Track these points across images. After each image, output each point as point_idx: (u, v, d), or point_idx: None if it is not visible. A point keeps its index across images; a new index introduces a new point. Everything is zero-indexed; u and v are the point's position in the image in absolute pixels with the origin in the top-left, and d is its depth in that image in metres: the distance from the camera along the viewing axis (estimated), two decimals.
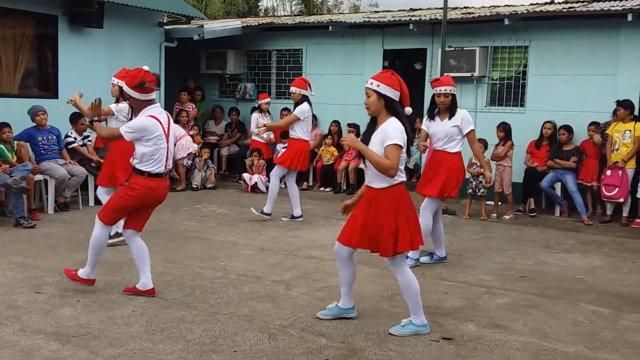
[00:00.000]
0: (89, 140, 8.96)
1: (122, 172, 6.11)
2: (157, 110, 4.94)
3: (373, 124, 4.33)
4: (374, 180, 4.28)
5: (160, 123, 4.89)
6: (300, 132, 8.05)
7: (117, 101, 6.77)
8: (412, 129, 5.68)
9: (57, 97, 9.25)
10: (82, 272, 5.08)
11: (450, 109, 6.06)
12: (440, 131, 6.08)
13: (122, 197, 4.97)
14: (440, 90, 6.00)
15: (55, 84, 9.47)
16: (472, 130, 6.08)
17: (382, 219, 4.23)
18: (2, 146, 7.86)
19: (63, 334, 4.22)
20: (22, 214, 7.42)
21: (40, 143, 8.33)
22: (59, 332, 4.24)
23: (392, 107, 4.26)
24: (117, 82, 6.61)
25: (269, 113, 11.24)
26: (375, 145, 4.21)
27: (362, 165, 4.40)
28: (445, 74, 9.15)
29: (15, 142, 8.12)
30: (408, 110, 4.32)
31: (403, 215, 4.24)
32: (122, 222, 5.98)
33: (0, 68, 8.98)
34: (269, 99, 11.23)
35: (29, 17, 9.28)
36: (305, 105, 7.97)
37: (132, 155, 5.03)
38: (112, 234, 6.60)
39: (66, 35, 9.64)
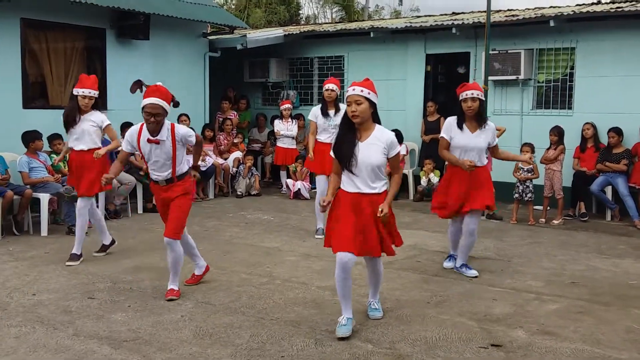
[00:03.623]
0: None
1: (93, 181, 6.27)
2: None
3: (352, 133, 4.31)
4: (367, 187, 4.30)
5: None
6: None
7: (77, 113, 6.30)
8: None
9: (105, 109, 9.50)
10: (197, 271, 5.63)
11: (480, 119, 5.70)
12: (471, 145, 5.66)
13: (188, 204, 5.26)
14: (467, 95, 5.62)
15: (104, 95, 9.73)
16: (497, 145, 5.90)
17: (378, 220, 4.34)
18: (55, 156, 8.11)
19: (115, 338, 4.32)
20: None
21: None
22: (111, 337, 4.34)
23: (376, 115, 4.35)
24: (95, 94, 6.33)
25: (291, 119, 11.28)
26: (376, 153, 4.28)
27: (346, 173, 4.30)
28: (489, 77, 9.08)
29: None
30: None
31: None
32: (107, 235, 6.62)
33: (51, 81, 9.29)
34: (289, 105, 11.32)
35: (78, 31, 9.58)
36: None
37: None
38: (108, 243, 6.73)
39: (114, 48, 9.92)
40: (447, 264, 6.22)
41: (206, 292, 5.36)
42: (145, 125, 5.03)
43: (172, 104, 5.10)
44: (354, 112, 4.23)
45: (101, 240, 6.67)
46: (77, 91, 6.26)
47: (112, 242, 6.72)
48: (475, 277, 5.86)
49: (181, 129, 5.15)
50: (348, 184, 4.35)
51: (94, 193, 6.50)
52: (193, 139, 5.18)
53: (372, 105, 4.27)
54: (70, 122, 6.34)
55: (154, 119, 4.93)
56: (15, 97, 8.71)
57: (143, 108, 4.94)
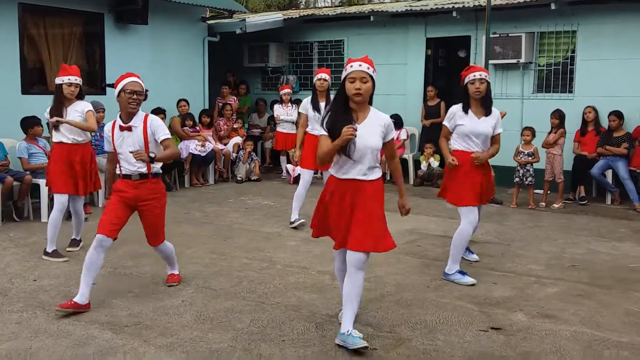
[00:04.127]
0: None
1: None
2: None
3: (349, 114, 3.92)
4: (365, 173, 3.93)
5: None
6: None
7: (63, 106, 6.10)
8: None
9: (105, 94, 9.46)
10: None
11: (486, 103, 5.36)
12: (479, 131, 5.32)
13: (164, 207, 4.96)
14: (475, 76, 5.25)
15: (103, 81, 9.69)
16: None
17: (381, 210, 4.00)
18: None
19: (116, 323, 4.33)
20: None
21: (93, 138, 8.53)
22: (112, 322, 4.35)
23: (370, 98, 4.02)
24: (80, 82, 6.15)
25: (291, 104, 11.22)
26: (374, 136, 3.92)
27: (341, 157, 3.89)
28: (490, 61, 9.03)
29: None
30: None
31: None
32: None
33: (50, 66, 9.24)
34: (289, 90, 11.26)
35: (76, 16, 9.52)
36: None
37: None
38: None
39: (112, 33, 9.86)
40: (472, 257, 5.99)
41: (207, 277, 5.37)
42: (118, 117, 4.76)
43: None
44: (359, 90, 3.85)
45: (73, 235, 6.41)
46: (61, 79, 6.02)
47: (80, 240, 6.42)
48: (476, 261, 5.87)
49: (155, 120, 4.80)
50: (342, 170, 3.95)
51: (88, 193, 6.43)
52: (161, 135, 4.73)
53: (374, 85, 3.96)
54: (55, 113, 6.07)
55: (136, 96, 4.65)
56: (14, 83, 8.67)
57: (123, 89, 4.65)
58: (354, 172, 3.93)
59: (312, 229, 4.25)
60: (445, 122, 5.52)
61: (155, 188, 4.83)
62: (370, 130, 3.92)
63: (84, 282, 4.57)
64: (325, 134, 3.92)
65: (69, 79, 6.03)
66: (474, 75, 5.27)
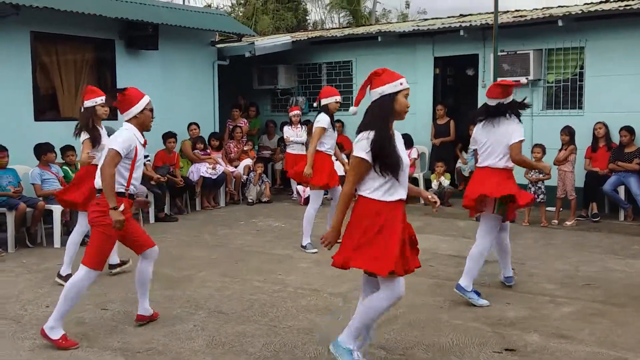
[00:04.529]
0: (148, 160, 9.22)
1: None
2: None
3: (389, 132, 3.77)
4: (405, 192, 3.81)
5: None
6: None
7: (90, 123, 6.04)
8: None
9: (116, 119, 9.53)
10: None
11: None
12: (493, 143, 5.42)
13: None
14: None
15: (115, 106, 9.76)
16: None
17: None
18: (67, 168, 8.17)
19: (129, 349, 4.33)
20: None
21: None
22: (125, 348, 4.35)
23: None
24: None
25: (300, 125, 11.28)
26: (404, 153, 3.84)
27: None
28: (498, 79, 9.04)
29: (79, 163, 8.42)
30: (352, 109, 3.99)
31: None
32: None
33: (62, 93, 9.37)
34: (298, 111, 11.32)
35: (87, 43, 9.66)
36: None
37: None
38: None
39: (123, 59, 9.98)
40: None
41: (219, 300, 5.37)
42: (138, 132, 4.72)
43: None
44: (408, 107, 3.85)
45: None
46: (94, 101, 6.00)
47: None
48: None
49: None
50: (390, 192, 3.70)
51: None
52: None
53: None
54: (97, 138, 6.00)
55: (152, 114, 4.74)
56: (27, 110, 8.78)
57: (146, 107, 4.70)
58: (402, 191, 3.77)
59: (396, 268, 3.65)
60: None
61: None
62: (401, 147, 3.83)
63: (140, 297, 4.81)
64: (366, 158, 3.63)
65: (102, 100, 6.02)
66: None
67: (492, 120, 5.29)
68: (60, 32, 9.15)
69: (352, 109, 4.01)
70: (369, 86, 3.86)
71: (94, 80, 9.80)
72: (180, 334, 4.59)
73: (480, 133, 5.40)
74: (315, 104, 7.71)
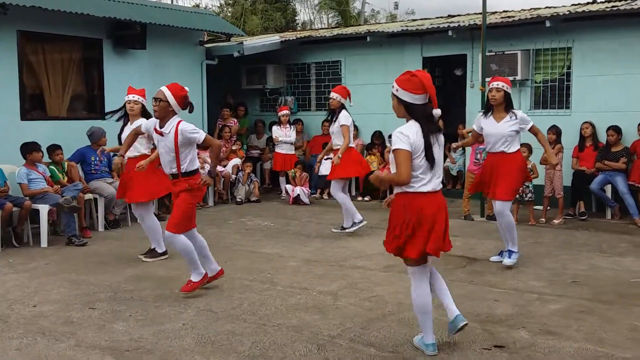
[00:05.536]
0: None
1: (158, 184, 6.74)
2: None
3: None
4: (438, 185, 4.06)
5: None
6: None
7: (126, 119, 7.05)
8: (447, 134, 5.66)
9: (104, 119, 9.49)
10: (194, 277, 5.47)
11: (504, 108, 6.18)
12: (494, 132, 6.19)
13: (188, 201, 5.44)
14: (492, 86, 6.16)
15: (102, 106, 9.73)
16: (533, 125, 6.32)
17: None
18: (54, 167, 8.12)
19: (117, 348, 4.30)
20: (74, 232, 7.62)
21: (93, 163, 8.58)
22: (113, 347, 4.33)
23: (411, 112, 3.99)
24: (142, 100, 6.89)
25: (289, 125, 11.29)
26: None
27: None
28: (487, 79, 9.07)
29: (66, 162, 8.37)
30: (436, 112, 3.98)
31: None
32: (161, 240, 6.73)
33: (49, 92, 9.29)
34: (287, 111, 11.34)
35: (75, 42, 9.59)
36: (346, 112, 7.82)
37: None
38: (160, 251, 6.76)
39: (111, 58, 9.92)
40: (494, 258, 6.61)
41: (207, 299, 5.35)
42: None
43: (184, 105, 5.46)
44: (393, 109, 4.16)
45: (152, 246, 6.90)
46: (127, 97, 6.84)
47: (164, 252, 6.87)
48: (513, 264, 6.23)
49: (184, 125, 5.37)
50: (427, 183, 3.98)
51: (147, 199, 6.85)
52: (195, 136, 5.38)
53: (401, 102, 4.05)
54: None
55: (157, 103, 5.30)
56: (13, 109, 8.71)
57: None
58: (436, 182, 4.06)
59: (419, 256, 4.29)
60: (475, 127, 6.44)
61: (186, 183, 5.43)
62: None
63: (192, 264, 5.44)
64: (408, 149, 3.93)
65: (132, 97, 6.82)
66: (492, 85, 6.19)
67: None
68: (47, 32, 9.08)
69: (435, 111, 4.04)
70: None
71: (82, 80, 9.75)
72: (169, 333, 4.57)
73: None
74: (352, 103, 8.06)
